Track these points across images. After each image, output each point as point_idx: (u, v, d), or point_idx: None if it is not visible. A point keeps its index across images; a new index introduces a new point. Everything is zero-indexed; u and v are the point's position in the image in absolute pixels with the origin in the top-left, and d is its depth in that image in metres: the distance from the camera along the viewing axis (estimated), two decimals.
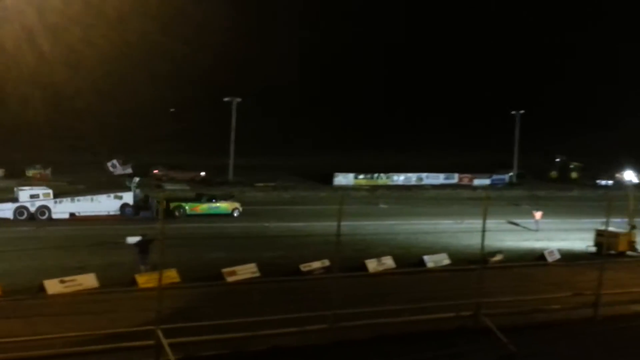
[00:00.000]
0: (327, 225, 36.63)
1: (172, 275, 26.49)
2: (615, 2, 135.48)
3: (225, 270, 27.88)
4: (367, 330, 20.18)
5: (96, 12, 70.10)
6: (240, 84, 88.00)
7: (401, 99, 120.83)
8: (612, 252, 35.94)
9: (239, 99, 66.05)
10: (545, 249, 36.08)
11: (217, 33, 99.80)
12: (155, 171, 64.49)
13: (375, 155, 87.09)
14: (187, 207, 46.09)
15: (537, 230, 44.49)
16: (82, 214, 43.91)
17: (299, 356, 18.92)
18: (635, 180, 59.55)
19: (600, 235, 35.57)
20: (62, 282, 25.21)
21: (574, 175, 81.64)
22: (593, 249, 36.80)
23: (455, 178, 73.78)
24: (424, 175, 72.23)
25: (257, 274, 28.37)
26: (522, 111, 77.29)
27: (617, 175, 74.69)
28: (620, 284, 27.36)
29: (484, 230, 21.61)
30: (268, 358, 18.64)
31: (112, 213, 44.50)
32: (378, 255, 32.10)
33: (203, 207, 46.76)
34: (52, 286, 24.90)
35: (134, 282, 26.09)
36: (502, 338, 19.78)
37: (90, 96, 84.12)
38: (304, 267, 29.47)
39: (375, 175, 70.39)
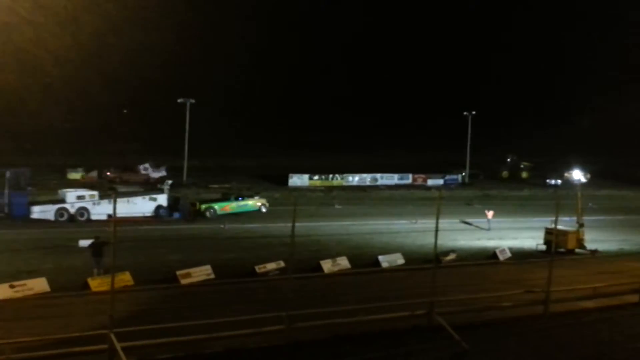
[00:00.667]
0: (282, 227, 36.87)
1: (125, 279, 26.25)
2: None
3: (179, 272, 27.70)
4: (322, 330, 20.28)
5: (47, 12, 68.84)
6: (195, 85, 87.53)
7: (355, 101, 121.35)
8: (562, 250, 36.73)
9: (192, 100, 65.58)
10: (497, 248, 36.68)
11: (171, 33, 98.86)
12: (108, 173, 63.63)
13: (329, 157, 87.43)
14: (217, 208, 47.58)
15: (488, 229, 45.18)
16: (119, 215, 43.03)
17: (254, 357, 18.91)
18: (583, 179, 60.95)
19: (549, 233, 36.28)
20: (11, 286, 24.71)
21: (524, 174, 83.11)
22: (543, 247, 37.55)
23: (409, 178, 74.41)
24: (378, 175, 72.69)
25: (212, 276, 28.24)
26: (473, 112, 78.37)
27: (566, 174, 76.35)
28: (569, 281, 27.98)
29: (437, 230, 21.91)
30: None
31: (147, 214, 45.25)
32: (333, 255, 32.23)
33: (232, 206, 48.33)
34: (2, 291, 24.39)
35: (86, 286, 25.74)
36: (454, 336, 20.09)
37: (42, 98, 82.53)
38: (259, 269, 29.44)
39: (330, 176, 70.61)
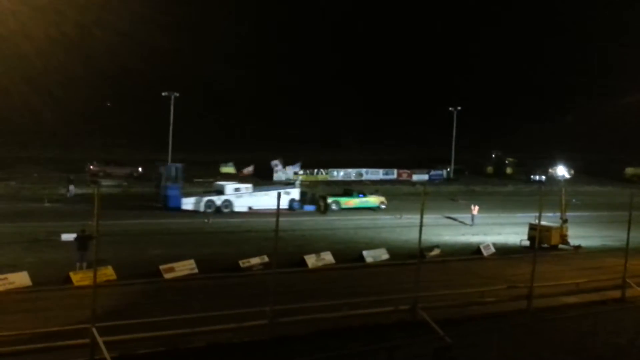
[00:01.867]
0: (266, 221, 36.80)
1: (108, 273, 26.06)
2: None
3: (163, 267, 27.54)
4: (306, 325, 20.25)
5: (31, 4, 68.24)
6: (179, 79, 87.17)
7: (340, 96, 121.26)
8: (545, 245, 36.92)
9: (176, 94, 65.17)
10: (481, 243, 36.79)
11: (156, 26, 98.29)
12: (91, 167, 63.22)
13: (314, 151, 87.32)
14: (342, 202, 50.21)
15: (472, 225, 45.29)
16: (257, 207, 46.87)
17: (237, 352, 18.85)
18: (567, 175, 61.29)
19: (533, 229, 36.44)
20: None
21: (508, 170, 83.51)
22: (527, 243, 37.72)
23: (394, 173, 74.55)
24: (363, 170, 72.76)
25: (196, 271, 28.10)
26: (459, 108, 78.55)
27: (550, 170, 76.81)
28: (552, 276, 28.15)
29: (421, 225, 21.91)
30: (206, 355, 18.51)
31: (281, 207, 44.56)
32: (317, 250, 32.19)
33: (355, 202, 50.95)
34: None
35: (68, 280, 25.53)
36: (438, 331, 20.12)
37: (24, 90, 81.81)
38: (243, 263, 29.33)
39: (315, 170, 70.55)
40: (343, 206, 49.91)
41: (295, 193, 50.11)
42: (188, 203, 46.34)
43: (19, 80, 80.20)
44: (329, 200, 50.10)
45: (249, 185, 49.67)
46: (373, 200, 52.07)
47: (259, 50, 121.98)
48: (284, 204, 47.12)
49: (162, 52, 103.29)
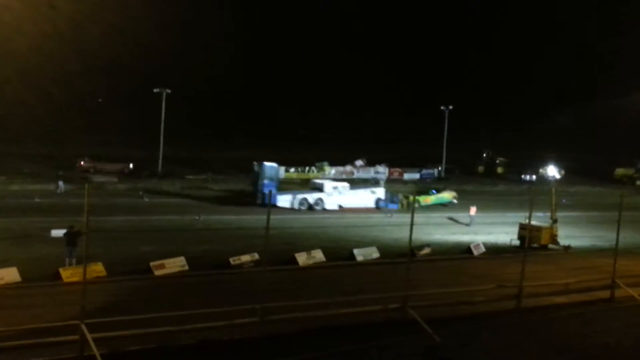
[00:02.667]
0: (257, 219, 36.75)
1: (98, 269, 26.00)
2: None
3: (153, 263, 27.49)
4: (296, 323, 20.22)
5: (25, 1, 67.90)
6: (171, 76, 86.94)
7: (334, 94, 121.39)
8: (535, 245, 37.03)
9: (168, 91, 65.06)
10: (471, 243, 36.86)
11: (148, 23, 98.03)
12: (82, 163, 63.01)
13: (306, 149, 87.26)
14: (421, 200, 51.76)
15: (468, 225, 45.34)
16: (346, 206, 49.54)
17: (227, 350, 18.82)
18: (557, 175, 61.59)
19: (523, 229, 36.55)
20: None
21: (499, 170, 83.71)
22: (517, 243, 37.80)
23: (385, 172, 74.42)
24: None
25: (186, 268, 28.06)
26: (450, 107, 78.64)
27: (541, 170, 77.04)
28: (542, 276, 28.22)
29: (412, 224, 21.91)
30: (196, 352, 18.47)
31: (368, 206, 50.25)
32: (308, 248, 32.18)
33: (432, 199, 53.06)
34: None
35: (58, 276, 25.45)
36: (427, 329, 20.15)
37: (17, 86, 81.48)
38: (234, 261, 29.30)
39: (306, 168, 70.45)
40: (422, 204, 51.54)
41: (380, 192, 52.52)
42: (283, 200, 48.39)
43: (12, 75, 79.83)
44: (410, 198, 51.23)
45: (346, 184, 51.97)
46: (447, 196, 54.56)
47: (252, 47, 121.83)
48: (371, 203, 51.12)
49: (155, 48, 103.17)
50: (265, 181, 49.15)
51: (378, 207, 51.06)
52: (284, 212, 45.96)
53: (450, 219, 48.40)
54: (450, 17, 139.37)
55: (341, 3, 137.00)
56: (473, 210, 46.85)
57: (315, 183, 52.72)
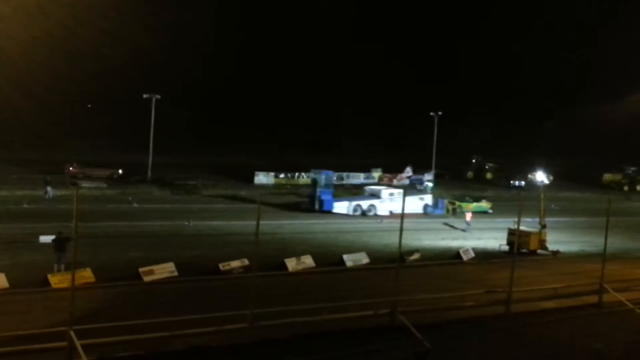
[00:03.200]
0: (246, 224, 36.73)
1: (86, 275, 25.88)
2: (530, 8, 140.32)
3: (142, 269, 27.40)
4: (286, 328, 20.21)
5: (14, 4, 67.64)
6: (160, 81, 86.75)
7: (323, 99, 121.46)
8: (524, 250, 37.13)
9: (158, 96, 64.92)
10: (460, 248, 36.96)
11: (137, 28, 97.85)
12: (71, 168, 62.74)
13: (296, 155, 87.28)
14: (464, 206, 53.84)
15: (465, 231, 45.42)
16: (396, 212, 47.65)
17: (217, 356, 18.78)
18: (546, 181, 62.04)
19: (512, 234, 36.68)
20: None
21: (488, 175, 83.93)
22: (506, 248, 37.94)
23: (375, 178, 74.63)
24: (344, 174, 72.75)
25: (175, 273, 27.99)
26: (440, 112, 78.83)
27: (530, 176, 77.26)
28: (531, 281, 28.34)
29: (401, 230, 21.96)
30: (186, 358, 18.43)
31: (416, 212, 51.61)
32: (298, 254, 32.18)
33: (472, 206, 54.51)
34: None
35: (46, 282, 25.33)
36: (417, 335, 20.18)
37: (7, 90, 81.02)
38: (223, 266, 29.25)
39: (296, 174, 70.51)
40: (464, 210, 52.61)
41: (428, 199, 55.02)
42: (339, 206, 50.69)
43: (1, 80, 79.40)
44: (455, 204, 54.97)
45: (401, 191, 52.24)
46: (485, 205, 56.98)
47: (242, 52, 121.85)
48: (419, 209, 52.98)
49: (146, 52, 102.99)
50: (321, 188, 51.71)
51: (425, 212, 53.43)
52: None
53: (446, 224, 48.54)
54: (438, 22, 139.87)
55: (331, 6, 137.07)
56: (468, 216, 47.02)
57: (371, 189, 55.63)
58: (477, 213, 52.79)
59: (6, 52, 78.20)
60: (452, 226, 47.95)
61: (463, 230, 45.73)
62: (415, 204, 53.03)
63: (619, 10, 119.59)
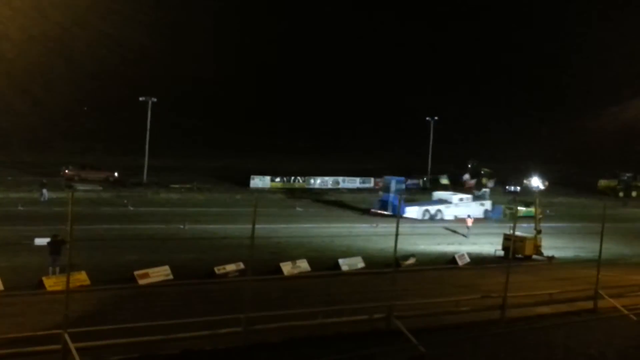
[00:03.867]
0: (242, 228, 36.69)
1: (81, 278, 25.85)
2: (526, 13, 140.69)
3: (137, 272, 27.36)
4: (280, 332, 20.16)
5: (12, 6, 67.56)
6: (157, 84, 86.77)
7: (319, 105, 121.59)
8: (519, 256, 37.20)
9: (154, 99, 64.91)
10: (456, 253, 36.98)
11: (134, 32, 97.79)
12: (66, 171, 62.66)
13: (292, 159, 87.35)
14: (520, 211, 55.12)
15: (466, 236, 45.45)
16: (460, 216, 53.43)
17: (211, 359, 18.74)
18: (541, 186, 62.45)
19: (507, 239, 36.74)
20: None
21: (484, 180, 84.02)
22: (501, 253, 37.99)
23: (371, 182, 74.72)
24: (340, 179, 72.82)
25: (171, 277, 27.97)
26: (436, 118, 78.96)
27: (525, 181, 77.38)
28: (526, 286, 28.29)
29: (397, 234, 21.94)
30: None
31: (478, 216, 54.25)
32: (293, 258, 32.16)
33: (523, 211, 55.65)
34: None
35: (41, 285, 25.27)
36: (412, 339, 20.15)
37: (4, 92, 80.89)
38: (218, 270, 29.23)
39: (292, 178, 70.53)
40: (520, 214, 54.51)
41: (488, 204, 58.40)
42: (411, 211, 53.10)
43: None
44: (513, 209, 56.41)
45: (469, 196, 58.09)
46: (533, 210, 57.05)
47: (236, 58, 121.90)
48: (480, 214, 55.92)
49: (143, 54, 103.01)
50: (393, 193, 54.26)
51: (486, 217, 56.50)
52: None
53: (447, 229, 48.59)
54: (434, 26, 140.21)
55: (327, 9, 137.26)
56: (470, 221, 47.03)
57: (440, 195, 58.94)
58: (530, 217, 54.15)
59: (5, 54, 78.08)
60: (452, 230, 47.97)
61: (464, 235, 45.75)
62: (477, 209, 56.37)
63: (615, 19, 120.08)
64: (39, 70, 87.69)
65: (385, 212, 53.50)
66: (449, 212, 55.20)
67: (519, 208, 56.23)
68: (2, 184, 55.39)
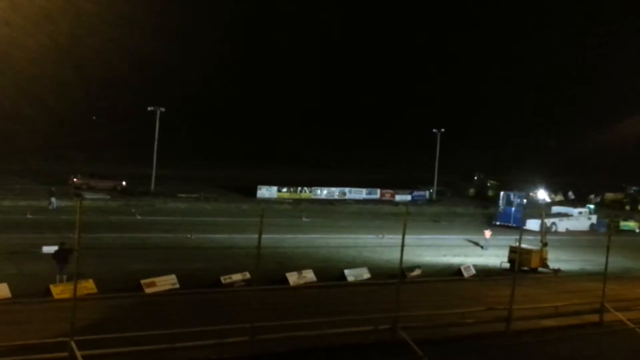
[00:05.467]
0: (248, 238, 36.74)
1: (88, 286, 25.95)
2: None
3: (144, 281, 27.47)
4: (286, 342, 20.24)
5: (23, 13, 67.98)
6: (166, 93, 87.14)
7: (327, 116, 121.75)
8: (525, 268, 37.14)
9: (162, 109, 65.16)
10: (461, 265, 36.96)
11: (144, 41, 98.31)
12: (75, 179, 62.89)
13: (299, 169, 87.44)
14: (621, 224, 62.08)
15: (485, 248, 45.34)
16: (570, 229, 59.10)
17: None
18: (547, 199, 62.96)
19: (513, 251, 36.69)
20: None
21: (490, 193, 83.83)
22: (507, 265, 37.90)
23: (377, 193, 74.67)
24: (346, 189, 72.83)
25: (177, 286, 28.05)
26: (442, 129, 78.97)
27: (531, 194, 77.19)
28: (532, 299, 28.35)
29: (403, 246, 22.02)
30: None
31: (584, 229, 60.19)
32: (299, 268, 32.21)
33: (622, 225, 61.92)
34: None
35: (48, 293, 25.41)
36: (417, 351, 20.20)
37: (16, 100, 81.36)
38: (225, 279, 29.31)
39: (299, 188, 70.63)
40: (621, 228, 61.08)
41: (594, 218, 62.74)
42: (532, 224, 53.54)
43: (11, 90, 79.66)
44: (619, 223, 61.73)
45: (586, 210, 63.46)
46: (632, 224, 64.17)
47: (244, 68, 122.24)
48: (586, 227, 60.92)
49: (152, 62, 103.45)
50: (514, 207, 58.38)
51: (592, 229, 60.76)
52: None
53: (469, 241, 48.53)
54: (441, 37, 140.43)
55: (332, 20, 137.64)
56: (488, 233, 46.83)
57: (559, 209, 64.25)
58: (624, 231, 60.49)
59: (16, 62, 78.50)
60: (474, 242, 48.05)
61: (481, 246, 45.79)
62: (585, 222, 61.64)
63: (622, 30, 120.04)
64: (49, 78, 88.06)
65: (509, 224, 57.33)
66: (562, 225, 59.68)
67: (623, 222, 62.98)
68: (11, 192, 55.67)
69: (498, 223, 58.75)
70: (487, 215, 67.97)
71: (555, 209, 64.81)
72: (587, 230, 60.37)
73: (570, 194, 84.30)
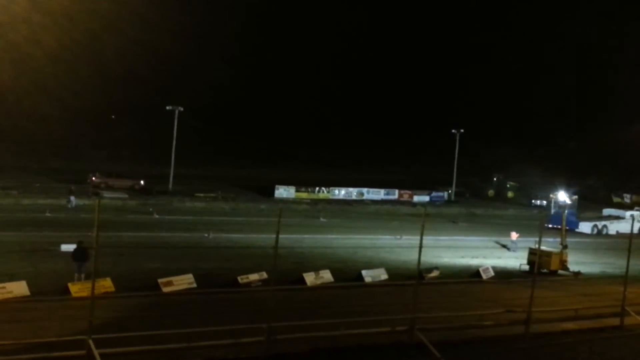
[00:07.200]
0: (266, 238, 36.75)
1: (106, 285, 26.05)
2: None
3: (161, 280, 27.52)
4: (303, 343, 20.18)
5: (41, 11, 68.47)
6: (185, 92, 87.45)
7: (345, 116, 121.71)
8: (545, 270, 36.80)
9: (181, 108, 65.40)
10: (480, 267, 36.70)
11: (163, 39, 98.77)
12: (93, 178, 63.29)
13: (316, 169, 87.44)
14: None
15: (514, 250, 44.77)
16: (620, 231, 57.94)
17: None
18: (568, 201, 62.12)
19: (533, 254, 36.37)
20: None
21: (510, 194, 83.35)
22: (526, 268, 37.60)
23: (395, 194, 74.51)
24: (364, 190, 72.73)
25: (194, 285, 28.08)
26: (462, 130, 78.60)
27: (551, 195, 76.61)
28: (551, 302, 28.04)
29: (420, 247, 21.87)
30: None
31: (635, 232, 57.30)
32: (316, 268, 32.14)
33: None
34: None
35: (66, 291, 25.52)
36: (435, 353, 20.06)
37: (34, 98, 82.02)
38: (242, 279, 29.30)
39: (316, 189, 70.60)
40: None
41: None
42: (584, 226, 57.53)
43: (30, 88, 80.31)
44: None
45: (638, 212, 61.51)
46: None
47: (263, 67, 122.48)
48: (635, 230, 55.82)
49: (170, 65, 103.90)
50: (568, 210, 55.95)
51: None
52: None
53: (498, 242, 48.28)
54: (462, 37, 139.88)
55: (351, 20, 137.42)
56: (514, 235, 46.29)
57: (610, 212, 64.60)
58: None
59: (35, 60, 79.10)
60: (502, 245, 47.57)
61: (510, 250, 45.27)
62: (628, 225, 57.82)
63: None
64: (69, 77, 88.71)
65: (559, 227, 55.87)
66: (612, 228, 59.63)
67: None
68: (31, 190, 56.11)
69: (550, 226, 56.50)
70: (507, 216, 67.67)
71: (606, 211, 65.25)
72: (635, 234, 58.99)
73: (626, 197, 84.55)
